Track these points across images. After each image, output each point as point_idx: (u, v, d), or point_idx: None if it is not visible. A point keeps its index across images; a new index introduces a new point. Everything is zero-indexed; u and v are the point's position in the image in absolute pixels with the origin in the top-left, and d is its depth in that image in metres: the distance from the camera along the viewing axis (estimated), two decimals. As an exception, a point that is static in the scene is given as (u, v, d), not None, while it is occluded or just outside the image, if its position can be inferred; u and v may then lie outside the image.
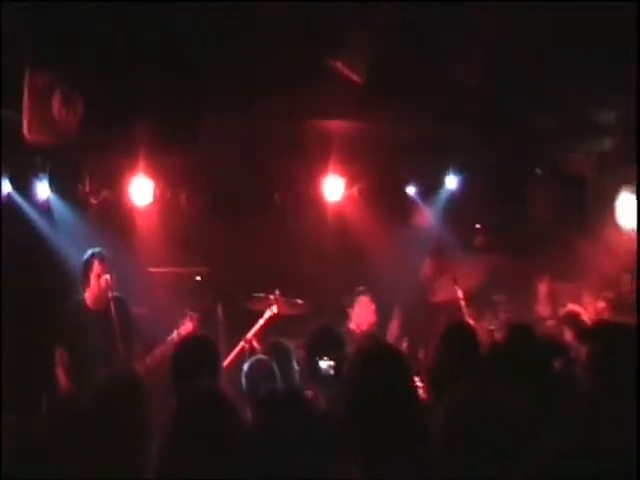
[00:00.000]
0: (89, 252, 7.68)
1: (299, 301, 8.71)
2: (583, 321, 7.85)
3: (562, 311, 8.77)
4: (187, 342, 5.60)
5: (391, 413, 3.40)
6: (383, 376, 3.51)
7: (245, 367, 5.83)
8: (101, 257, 7.63)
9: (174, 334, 7.77)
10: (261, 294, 8.70)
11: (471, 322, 8.33)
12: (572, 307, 8.72)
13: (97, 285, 7.60)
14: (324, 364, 5.56)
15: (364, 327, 8.51)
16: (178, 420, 3.52)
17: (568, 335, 7.36)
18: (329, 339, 5.92)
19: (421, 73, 8.19)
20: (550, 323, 8.85)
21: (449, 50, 7.92)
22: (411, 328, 8.72)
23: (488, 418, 2.79)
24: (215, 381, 4.71)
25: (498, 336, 7.77)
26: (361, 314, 8.60)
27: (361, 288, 8.76)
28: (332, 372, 5.50)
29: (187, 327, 7.79)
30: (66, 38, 6.98)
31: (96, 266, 7.60)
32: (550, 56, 7.96)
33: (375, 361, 3.64)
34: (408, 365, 3.74)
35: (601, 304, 8.86)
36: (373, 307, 8.63)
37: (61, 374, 7.43)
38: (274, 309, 8.54)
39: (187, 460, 3.35)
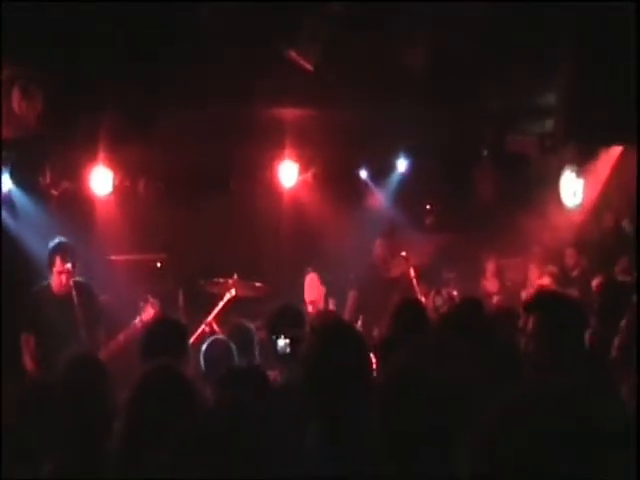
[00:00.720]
0: (53, 245, 7.72)
1: (257, 284, 8.90)
2: None
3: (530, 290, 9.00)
4: (155, 323, 5.67)
5: (346, 388, 3.43)
6: (339, 352, 3.53)
7: (203, 347, 5.97)
8: (63, 252, 7.64)
9: (137, 320, 7.83)
10: (220, 279, 8.87)
11: (422, 299, 8.64)
12: (541, 282, 8.97)
13: (59, 279, 7.67)
14: (282, 342, 5.59)
15: (318, 305, 8.70)
16: (135, 398, 3.57)
17: None
18: (288, 317, 6.03)
19: (369, 60, 8.37)
20: (497, 298, 9.13)
21: (395, 36, 8.11)
22: (365, 306, 8.97)
23: (423, 384, 2.66)
24: (184, 361, 4.75)
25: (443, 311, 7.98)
26: (311, 291, 8.81)
27: (308, 268, 9.01)
28: (289, 350, 5.55)
29: (149, 313, 7.81)
30: (24, 35, 7.09)
31: (58, 263, 7.64)
32: (492, 40, 8.18)
33: (331, 337, 3.67)
34: (363, 341, 3.78)
35: (546, 280, 9.14)
36: (319, 282, 8.83)
37: (28, 359, 7.51)
38: (233, 292, 8.70)
39: (145, 438, 3.36)
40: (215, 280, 8.91)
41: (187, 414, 3.38)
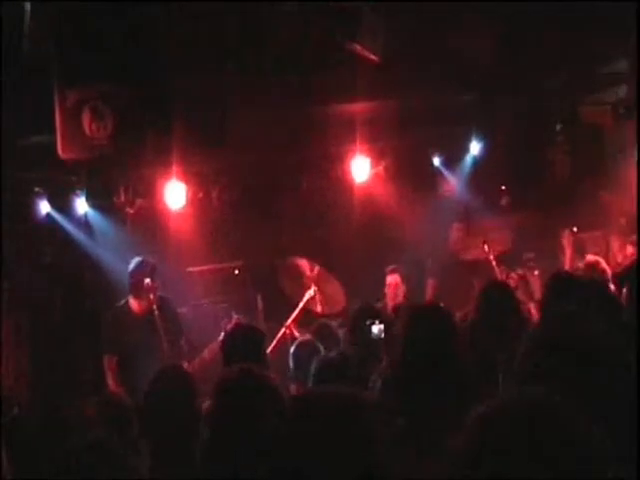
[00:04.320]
0: (134, 265, 7.68)
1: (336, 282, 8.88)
2: (603, 269, 8.01)
3: (582, 263, 8.84)
4: (232, 333, 5.83)
5: (442, 366, 3.59)
6: (434, 332, 3.71)
7: (292, 349, 6.11)
8: (146, 272, 7.60)
9: (222, 336, 7.85)
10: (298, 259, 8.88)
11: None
12: (591, 257, 8.80)
13: (146, 298, 7.56)
14: (376, 328, 5.76)
15: (398, 303, 8.66)
16: (217, 402, 3.55)
17: None
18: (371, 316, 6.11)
19: (432, 45, 8.27)
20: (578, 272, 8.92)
21: (455, 15, 8.01)
22: (445, 292, 8.91)
23: None
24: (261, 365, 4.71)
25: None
26: (392, 290, 8.88)
27: (390, 267, 8.99)
28: (382, 335, 5.71)
29: None
30: (89, 56, 7.18)
31: (144, 282, 7.54)
32: (560, 8, 8.03)
33: (422, 316, 3.86)
34: (455, 323, 3.96)
35: (630, 249, 8.91)
36: (400, 281, 8.89)
37: (111, 380, 7.53)
38: (312, 292, 8.66)
39: (229, 442, 3.36)
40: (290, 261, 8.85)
41: (271, 413, 3.35)
